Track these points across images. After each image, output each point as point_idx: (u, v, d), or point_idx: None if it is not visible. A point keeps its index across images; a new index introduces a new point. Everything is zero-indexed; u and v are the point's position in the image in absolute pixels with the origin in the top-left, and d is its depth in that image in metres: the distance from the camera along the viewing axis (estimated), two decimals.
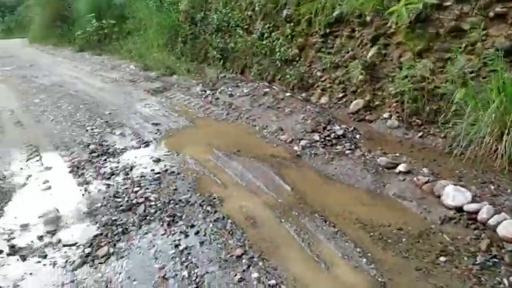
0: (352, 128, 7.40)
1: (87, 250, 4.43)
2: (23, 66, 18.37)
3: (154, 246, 4.43)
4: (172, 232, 4.66)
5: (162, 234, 4.65)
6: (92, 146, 7.60)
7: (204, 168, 6.32)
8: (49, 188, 6.21)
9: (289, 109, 8.60)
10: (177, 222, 4.87)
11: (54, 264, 4.30)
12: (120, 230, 4.77)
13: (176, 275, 3.95)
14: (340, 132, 7.20)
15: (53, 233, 4.91)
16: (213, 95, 10.42)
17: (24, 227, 5.10)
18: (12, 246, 4.63)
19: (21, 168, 7.05)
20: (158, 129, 8.29)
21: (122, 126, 8.70)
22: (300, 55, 8.92)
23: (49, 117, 9.89)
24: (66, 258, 4.35)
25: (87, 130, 8.57)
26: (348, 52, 7.76)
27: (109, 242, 4.55)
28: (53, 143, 8.20)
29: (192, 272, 3.97)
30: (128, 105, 10.41)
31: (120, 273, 4.05)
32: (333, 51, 8.06)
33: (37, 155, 7.62)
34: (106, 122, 9.04)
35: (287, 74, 9.11)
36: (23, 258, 4.42)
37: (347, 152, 6.60)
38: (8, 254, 4.51)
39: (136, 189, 5.77)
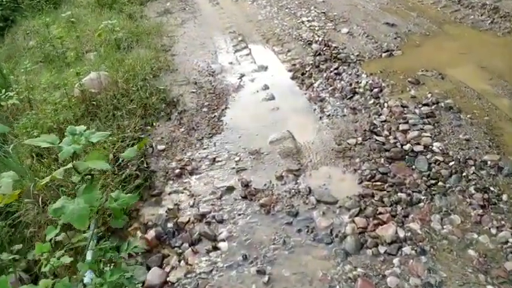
0: None
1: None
2: None
3: None
4: None
5: None
6: (315, 46, 6.09)
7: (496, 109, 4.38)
8: (272, 98, 4.99)
9: None
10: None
11: None
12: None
13: None
14: None
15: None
16: None
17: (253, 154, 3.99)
18: None
19: (231, 63, 5.96)
20: (396, 33, 6.34)
21: (346, 21, 6.95)
22: None
23: None
24: None
25: (302, 22, 7.04)
26: None
27: None
28: (260, 32, 6.92)
29: None
30: None
31: None
32: None
33: (245, 47, 6.45)
34: (323, 13, 7.36)
35: None
36: None
37: None
38: None
39: (402, 126, 4.17)
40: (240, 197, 3.61)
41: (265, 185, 3.72)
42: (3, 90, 4.93)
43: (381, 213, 3.26)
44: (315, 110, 4.72)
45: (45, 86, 4.74)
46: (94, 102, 4.70)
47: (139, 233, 3.53)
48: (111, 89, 4.94)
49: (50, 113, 4.39)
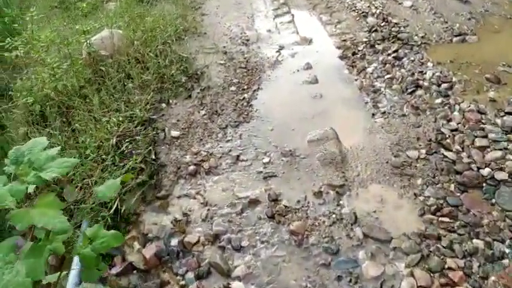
0: None
1: None
2: None
3: None
4: None
5: None
6: (371, 20, 5.09)
7: None
8: (314, 81, 4.12)
9: None
10: None
11: None
12: None
13: None
14: None
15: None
16: None
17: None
18: None
19: (269, 31, 5.05)
20: (470, 12, 5.26)
21: None
22: None
23: None
24: None
25: None
26: None
27: None
28: None
29: None
30: None
31: None
32: None
33: (287, 12, 5.51)
34: None
35: None
36: None
37: None
38: None
39: (479, 141, 3.28)
40: (265, 216, 2.86)
41: (298, 201, 2.95)
42: (8, 39, 4.21)
43: (450, 268, 2.46)
44: (366, 103, 3.85)
45: (45, 44, 3.96)
46: (102, 68, 3.92)
47: (136, 245, 2.87)
48: (125, 52, 4.15)
49: (47, 77, 3.64)
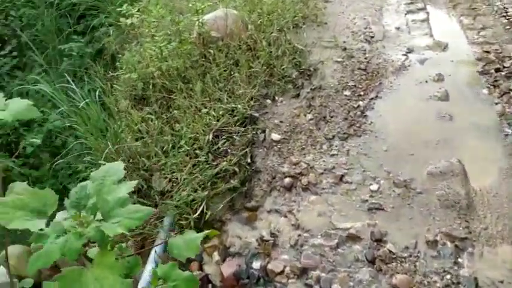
0: None
1: None
2: None
3: None
4: None
5: None
6: None
7: None
8: (444, 98, 3.52)
9: None
10: None
11: None
12: None
13: None
14: None
15: None
16: None
17: None
18: None
19: (398, 29, 4.44)
20: None
21: None
22: None
23: None
24: None
25: None
26: None
27: None
28: None
29: None
30: None
31: None
32: None
33: (422, 9, 4.84)
34: None
35: None
36: None
37: None
38: None
39: None
40: (364, 259, 2.45)
41: (406, 248, 2.48)
42: (125, 5, 4.17)
43: None
44: (507, 135, 3.18)
45: (156, 20, 3.79)
46: (211, 51, 3.67)
47: (216, 255, 2.63)
48: (238, 36, 3.86)
49: (154, 55, 3.47)
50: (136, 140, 3.29)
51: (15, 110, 1.56)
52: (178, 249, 1.21)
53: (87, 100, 3.18)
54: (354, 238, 2.56)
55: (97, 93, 3.44)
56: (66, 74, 3.68)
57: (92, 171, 1.27)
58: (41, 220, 1.06)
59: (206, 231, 1.26)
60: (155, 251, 2.55)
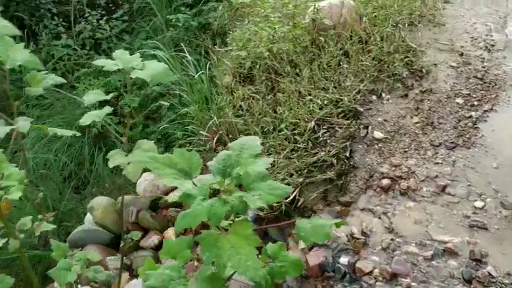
0: None
1: None
2: None
3: None
4: None
5: None
6: None
7: None
8: None
9: None
10: None
11: None
12: None
13: None
14: None
15: None
16: None
17: None
18: None
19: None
20: None
21: None
22: None
23: None
24: None
25: None
26: None
27: None
28: None
29: None
30: None
31: None
32: None
33: None
34: None
35: None
36: None
37: None
38: None
39: None
40: (460, 277, 2.32)
41: (508, 275, 2.32)
42: None
43: None
44: None
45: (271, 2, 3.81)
46: (322, 38, 3.64)
47: (302, 243, 2.61)
48: (351, 26, 3.78)
49: (266, 36, 3.51)
50: (237, 116, 3.36)
51: (152, 72, 1.63)
52: (305, 232, 1.21)
53: (201, 72, 3.28)
54: (451, 253, 2.44)
55: (207, 66, 3.54)
56: (182, 44, 3.82)
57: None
58: (187, 180, 1.10)
59: (335, 220, 1.25)
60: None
